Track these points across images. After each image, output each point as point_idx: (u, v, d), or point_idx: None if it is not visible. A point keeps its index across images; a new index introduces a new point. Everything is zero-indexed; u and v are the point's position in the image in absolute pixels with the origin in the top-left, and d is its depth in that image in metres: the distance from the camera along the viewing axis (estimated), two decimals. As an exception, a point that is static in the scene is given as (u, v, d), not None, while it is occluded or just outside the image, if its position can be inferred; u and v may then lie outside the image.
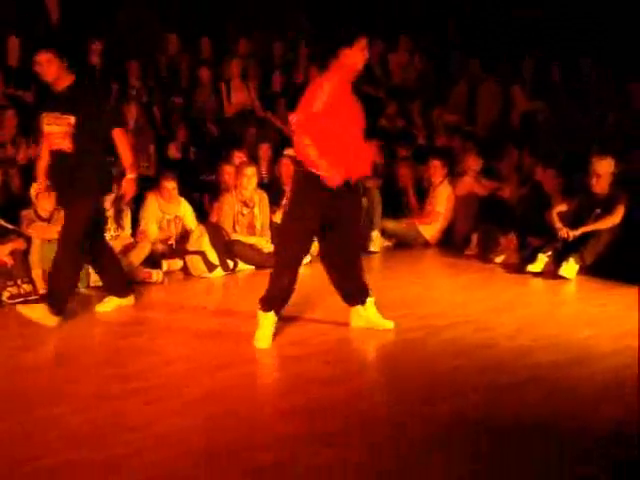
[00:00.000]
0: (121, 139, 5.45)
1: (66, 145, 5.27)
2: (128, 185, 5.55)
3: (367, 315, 5.09)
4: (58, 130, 5.28)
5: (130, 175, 5.51)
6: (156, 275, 6.77)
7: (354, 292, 5.08)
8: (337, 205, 4.71)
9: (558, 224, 6.96)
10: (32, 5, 9.17)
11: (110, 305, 5.82)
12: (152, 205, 7.16)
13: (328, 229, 4.84)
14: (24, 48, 8.58)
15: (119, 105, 8.39)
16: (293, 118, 4.72)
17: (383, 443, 3.44)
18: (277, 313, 4.87)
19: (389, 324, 5.11)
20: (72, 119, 5.24)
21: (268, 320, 4.84)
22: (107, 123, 5.38)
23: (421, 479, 3.16)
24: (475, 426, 3.60)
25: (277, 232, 5.26)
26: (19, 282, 6.08)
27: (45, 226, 6.41)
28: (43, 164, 5.56)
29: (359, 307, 5.09)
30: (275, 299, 4.84)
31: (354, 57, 4.67)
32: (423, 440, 3.46)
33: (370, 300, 5.10)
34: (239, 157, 7.84)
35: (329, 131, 4.58)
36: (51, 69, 5.30)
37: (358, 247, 5.27)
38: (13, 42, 8.56)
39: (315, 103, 4.56)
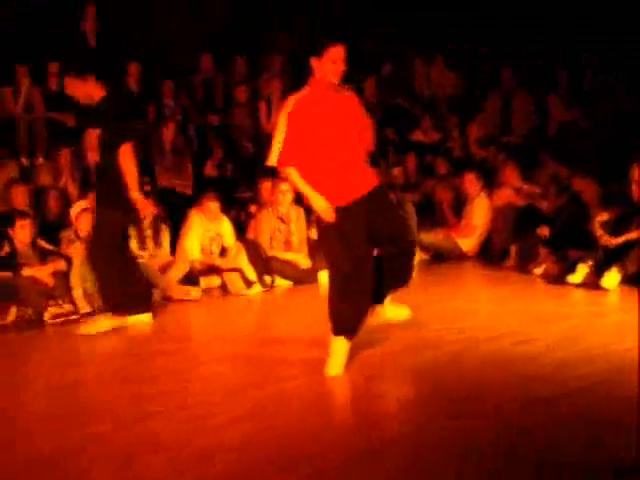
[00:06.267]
0: (125, 155, 5.35)
1: (94, 158, 5.36)
2: (137, 204, 5.50)
3: (385, 312, 4.82)
4: (93, 143, 5.37)
5: (132, 193, 5.44)
6: (194, 292, 6.81)
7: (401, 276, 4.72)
8: (366, 215, 4.42)
9: (599, 232, 6.86)
10: (70, 30, 9.35)
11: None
12: (195, 223, 7.19)
13: (373, 238, 4.50)
14: (63, 72, 8.75)
15: (155, 125, 8.55)
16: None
17: (416, 462, 3.40)
18: (349, 338, 4.56)
19: (405, 312, 4.86)
20: (97, 132, 5.33)
21: (338, 344, 4.53)
22: (115, 137, 5.34)
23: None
24: (516, 442, 3.55)
25: (327, 265, 4.78)
26: (60, 302, 6.16)
27: (85, 246, 6.50)
28: None
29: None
30: (343, 323, 4.52)
31: (323, 68, 4.38)
32: (455, 458, 3.42)
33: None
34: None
35: (317, 154, 4.36)
36: (76, 90, 5.41)
37: (410, 243, 4.76)
38: (53, 67, 8.71)
39: (280, 139, 4.42)
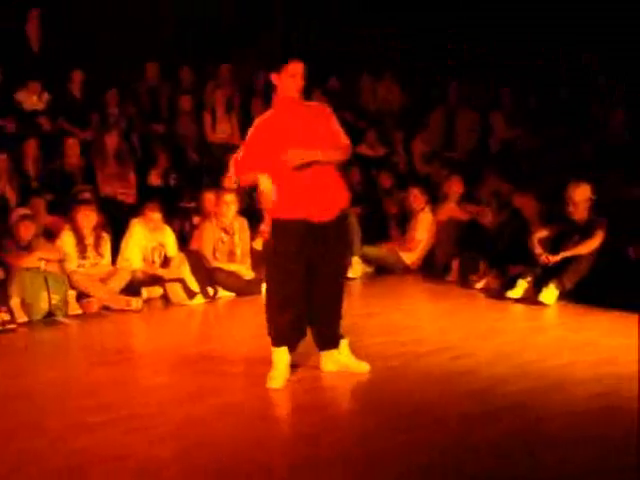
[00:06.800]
0: None
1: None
2: None
3: (341, 358, 4.74)
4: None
5: None
6: (135, 303, 6.73)
7: (329, 335, 4.72)
8: (316, 243, 4.49)
9: (538, 249, 6.98)
10: (13, 35, 9.18)
11: None
12: (137, 232, 7.10)
13: (311, 267, 4.57)
14: (5, 77, 8.61)
15: (99, 133, 8.45)
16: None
17: (361, 472, 3.42)
18: (291, 349, 4.62)
19: (364, 367, 4.76)
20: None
21: (279, 356, 4.58)
22: None
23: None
24: (453, 455, 3.59)
25: (265, 276, 4.89)
26: (-3, 311, 6.02)
27: (24, 254, 6.38)
28: None
29: (333, 351, 4.74)
30: (281, 334, 4.58)
31: (283, 84, 4.50)
32: (400, 471, 3.44)
33: (344, 341, 4.75)
34: (229, 180, 7.77)
35: (280, 172, 4.41)
36: None
37: (340, 288, 4.74)
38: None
39: (241, 151, 4.56)
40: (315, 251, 4.52)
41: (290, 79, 4.47)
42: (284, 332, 4.59)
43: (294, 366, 4.72)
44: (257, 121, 4.62)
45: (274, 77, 4.53)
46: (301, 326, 4.64)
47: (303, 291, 4.56)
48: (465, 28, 11.45)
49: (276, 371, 4.57)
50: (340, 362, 4.75)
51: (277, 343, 4.61)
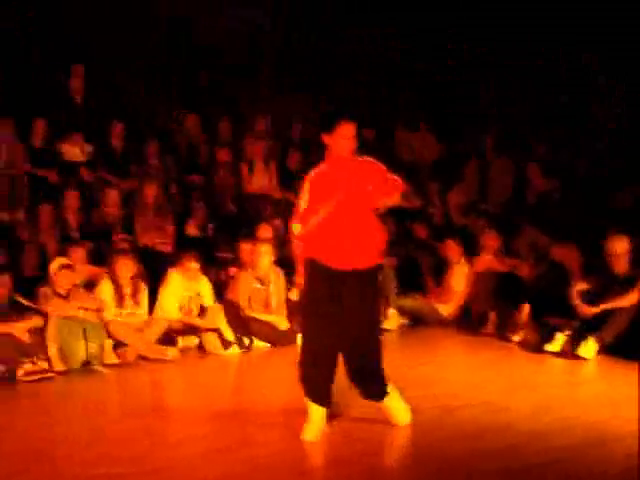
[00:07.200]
0: None
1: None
2: None
3: (387, 402, 4.72)
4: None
5: None
6: (171, 352, 6.75)
7: (377, 389, 4.69)
8: (346, 294, 4.49)
9: (577, 301, 6.90)
10: (57, 88, 9.44)
11: None
12: (174, 282, 7.15)
13: (345, 318, 4.55)
14: (49, 129, 8.82)
15: (138, 184, 8.59)
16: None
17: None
18: (327, 405, 4.60)
19: (405, 418, 4.73)
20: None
21: (314, 408, 4.57)
22: None
23: None
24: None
25: (300, 326, 4.87)
26: (34, 359, 6.07)
27: (62, 303, 6.46)
28: None
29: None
30: (318, 389, 4.57)
31: (336, 145, 4.49)
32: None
33: (391, 387, 4.73)
34: (265, 230, 7.89)
35: (325, 224, 4.46)
36: None
37: (375, 340, 4.70)
38: (39, 124, 8.76)
39: (299, 204, 4.55)
40: (348, 299, 4.50)
41: (342, 140, 4.46)
42: (314, 386, 4.56)
43: (331, 416, 4.70)
44: (312, 174, 4.61)
45: (325, 137, 4.52)
46: (329, 384, 4.59)
47: (338, 341, 4.53)
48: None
49: (311, 424, 4.55)
50: (385, 406, 4.72)
51: (308, 396, 4.58)
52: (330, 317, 4.49)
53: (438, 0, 11.56)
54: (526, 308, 7.33)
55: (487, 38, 11.39)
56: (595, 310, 6.77)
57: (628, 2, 9.59)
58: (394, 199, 4.68)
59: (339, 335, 4.53)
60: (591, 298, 6.92)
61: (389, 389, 4.72)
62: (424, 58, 11.74)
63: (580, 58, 11.05)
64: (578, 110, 10.60)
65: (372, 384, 4.69)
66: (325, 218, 4.47)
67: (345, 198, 4.47)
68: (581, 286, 7.03)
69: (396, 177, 4.72)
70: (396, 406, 4.75)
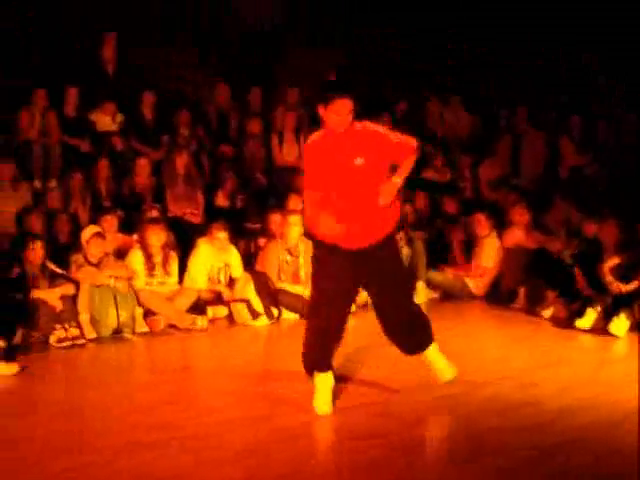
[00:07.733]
0: None
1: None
2: None
3: (429, 356, 4.74)
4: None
5: None
6: (201, 322, 6.80)
7: (415, 341, 4.71)
8: (366, 266, 4.43)
9: (609, 278, 6.82)
10: (90, 57, 9.47)
11: None
12: (203, 252, 7.19)
13: (369, 288, 4.59)
14: (81, 98, 8.86)
15: (170, 153, 8.61)
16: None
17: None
18: (328, 368, 4.57)
19: (449, 374, 4.73)
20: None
21: (324, 380, 4.54)
22: None
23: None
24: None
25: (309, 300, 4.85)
26: (66, 326, 6.16)
27: (94, 271, 6.52)
28: None
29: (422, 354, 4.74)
30: (323, 359, 4.55)
31: (327, 118, 4.23)
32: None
33: (434, 346, 4.75)
34: (295, 201, 7.88)
35: (331, 198, 4.31)
36: None
37: (406, 299, 4.74)
38: (71, 92, 8.80)
39: (304, 176, 4.41)
40: (365, 273, 4.45)
41: (335, 116, 4.20)
42: (318, 357, 4.55)
43: (355, 391, 4.72)
44: (308, 143, 4.42)
45: (320, 109, 4.26)
46: (328, 353, 4.59)
47: (344, 319, 4.51)
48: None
49: (319, 396, 4.51)
50: (428, 360, 4.74)
51: (322, 368, 4.55)
52: (335, 294, 4.42)
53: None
54: (556, 283, 7.27)
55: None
56: (628, 287, 6.69)
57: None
58: (409, 160, 4.47)
59: (343, 312, 4.50)
60: (624, 274, 6.84)
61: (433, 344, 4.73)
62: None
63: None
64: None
65: (413, 335, 4.68)
66: (323, 199, 4.30)
67: (339, 177, 4.30)
68: (613, 262, 6.93)
69: (406, 137, 4.49)
70: (439, 360, 4.75)
